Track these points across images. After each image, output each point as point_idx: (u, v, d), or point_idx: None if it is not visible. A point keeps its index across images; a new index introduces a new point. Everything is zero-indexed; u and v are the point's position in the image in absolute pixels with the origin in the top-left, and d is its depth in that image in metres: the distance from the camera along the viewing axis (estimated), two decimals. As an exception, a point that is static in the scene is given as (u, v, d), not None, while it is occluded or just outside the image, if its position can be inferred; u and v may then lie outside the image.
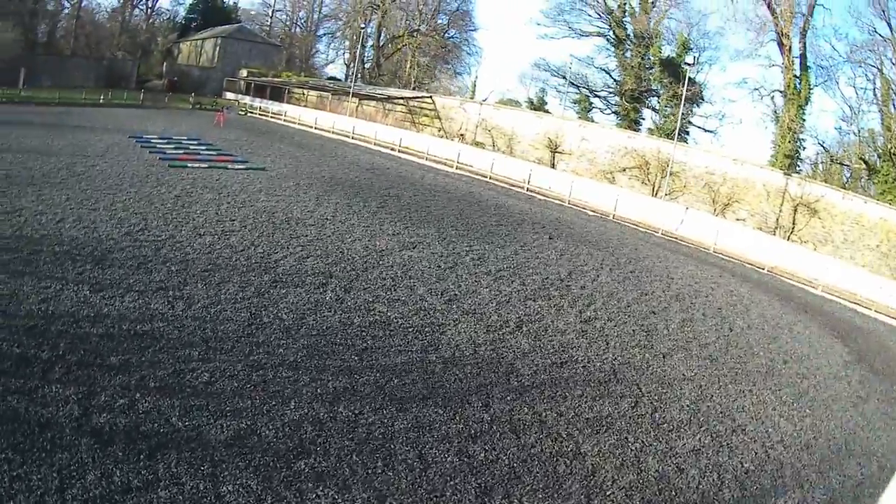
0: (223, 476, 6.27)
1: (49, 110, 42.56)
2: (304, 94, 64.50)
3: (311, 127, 47.47)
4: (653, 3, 53.44)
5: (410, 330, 10.82)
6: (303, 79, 71.61)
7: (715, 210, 34.88)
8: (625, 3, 55.70)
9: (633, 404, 9.60)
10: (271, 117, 52.52)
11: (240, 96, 63.78)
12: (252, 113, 55.06)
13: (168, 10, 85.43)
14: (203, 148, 29.77)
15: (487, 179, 33.95)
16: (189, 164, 24.18)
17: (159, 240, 13.63)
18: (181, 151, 27.64)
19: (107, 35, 70.20)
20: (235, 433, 6.98)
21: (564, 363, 10.65)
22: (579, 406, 9.17)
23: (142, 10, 77.75)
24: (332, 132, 45.17)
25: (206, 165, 24.63)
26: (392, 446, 7.30)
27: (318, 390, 8.24)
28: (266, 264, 13.11)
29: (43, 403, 6.89)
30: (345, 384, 8.50)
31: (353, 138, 43.48)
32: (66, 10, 71.14)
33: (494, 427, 8.13)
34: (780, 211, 34.35)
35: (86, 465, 6.02)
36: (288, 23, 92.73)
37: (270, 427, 7.23)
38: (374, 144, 41.39)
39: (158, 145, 28.71)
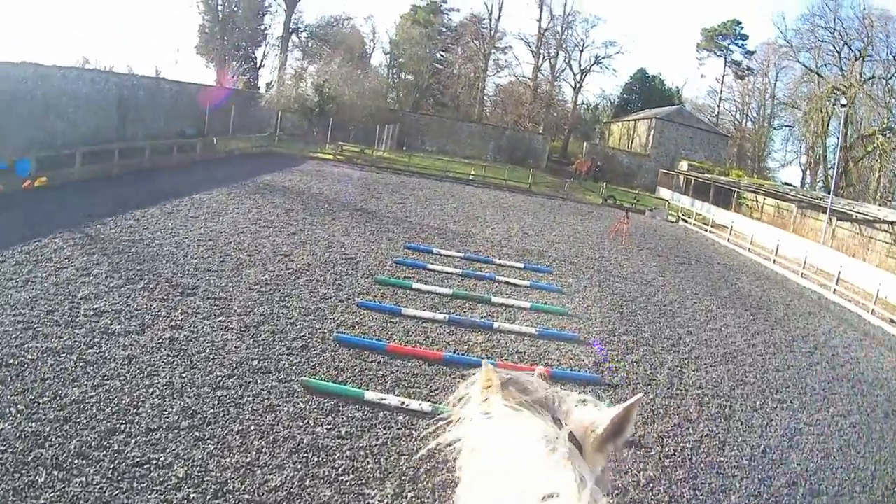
0: None
1: (383, 179, 31.51)
2: (755, 201, 43.89)
3: (769, 257, 27.28)
4: None
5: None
6: (756, 180, 51.05)
7: None
8: None
9: None
10: (710, 231, 33.40)
11: (675, 194, 46.19)
12: (686, 220, 36.74)
13: (602, 95, 73.48)
14: (524, 298, 13.43)
15: None
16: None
17: None
18: (444, 315, 11.71)
19: (519, 104, 60.30)
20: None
21: None
22: None
23: (570, 83, 66.68)
24: (802, 272, 24.45)
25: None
26: None
27: None
28: None
29: None
30: None
31: (835, 291, 22.22)
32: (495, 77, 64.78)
33: None
34: None
35: None
36: (736, 113, 72.72)
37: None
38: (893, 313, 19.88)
39: (420, 285, 13.56)
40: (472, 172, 39.73)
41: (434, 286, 13.29)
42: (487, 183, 38.41)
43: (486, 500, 1.06)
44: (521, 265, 16.78)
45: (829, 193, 51.13)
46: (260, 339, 9.67)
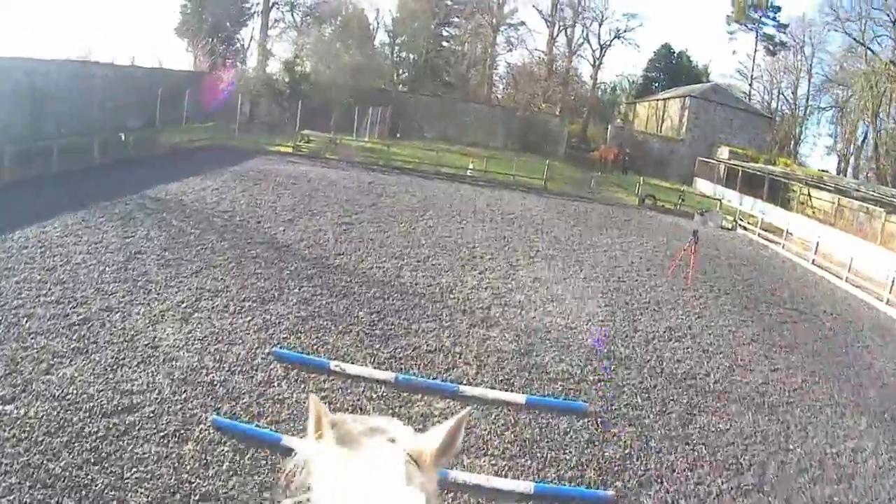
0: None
1: (346, 180, 22.99)
2: (807, 195, 34.57)
3: (875, 291, 18.71)
4: None
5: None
6: (814, 171, 42.02)
7: None
8: None
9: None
10: (782, 244, 24.41)
11: (717, 187, 37.29)
12: (744, 225, 27.90)
13: (622, 74, 64.06)
14: None
15: None
16: None
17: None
18: None
19: (533, 82, 50.96)
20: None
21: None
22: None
23: (588, 60, 57.29)
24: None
25: None
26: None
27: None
28: None
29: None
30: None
31: None
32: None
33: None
34: None
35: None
36: (766, 94, 63.16)
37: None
38: None
39: None
40: (471, 165, 31.05)
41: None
42: (490, 179, 29.81)
43: None
44: (520, 399, 8.10)
45: (883, 185, 42.34)
46: None
